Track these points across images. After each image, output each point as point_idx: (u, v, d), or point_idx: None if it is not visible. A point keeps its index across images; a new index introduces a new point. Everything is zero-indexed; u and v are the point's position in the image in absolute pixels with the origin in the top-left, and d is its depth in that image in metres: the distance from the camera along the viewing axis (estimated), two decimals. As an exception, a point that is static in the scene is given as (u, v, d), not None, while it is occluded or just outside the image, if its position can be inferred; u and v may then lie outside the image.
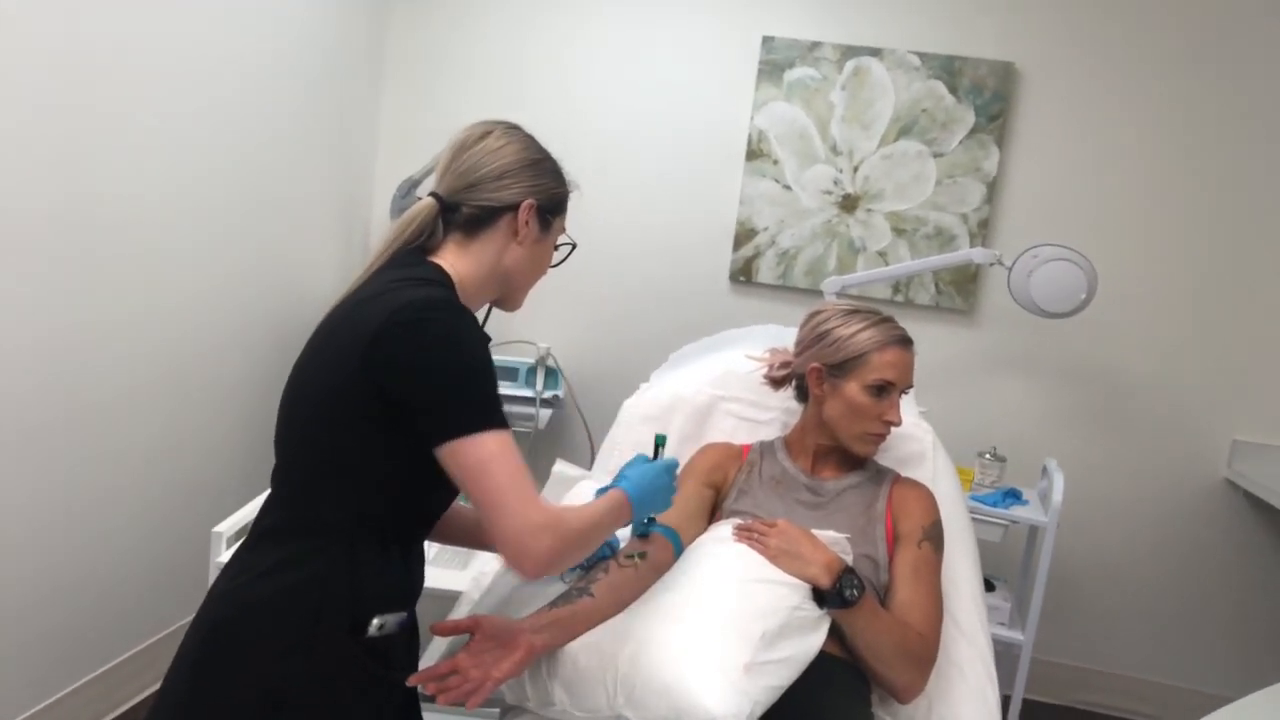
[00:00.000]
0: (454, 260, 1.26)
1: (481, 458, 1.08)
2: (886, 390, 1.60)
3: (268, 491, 1.23)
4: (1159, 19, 2.68)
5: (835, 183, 2.82)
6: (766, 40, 2.80)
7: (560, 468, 1.86)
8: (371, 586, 1.15)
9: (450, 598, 1.72)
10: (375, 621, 1.15)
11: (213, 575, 1.58)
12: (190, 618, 1.19)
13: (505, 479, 1.08)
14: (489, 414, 1.11)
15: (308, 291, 2.75)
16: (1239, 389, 2.76)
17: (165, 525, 2.31)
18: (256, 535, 1.20)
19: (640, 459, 1.36)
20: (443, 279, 1.22)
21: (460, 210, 1.26)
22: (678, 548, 1.49)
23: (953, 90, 2.73)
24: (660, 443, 1.45)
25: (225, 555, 1.72)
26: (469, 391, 1.11)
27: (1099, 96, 2.72)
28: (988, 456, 2.53)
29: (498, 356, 2.79)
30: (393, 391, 1.11)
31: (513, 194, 1.27)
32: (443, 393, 1.10)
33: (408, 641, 1.25)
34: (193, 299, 2.27)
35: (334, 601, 1.13)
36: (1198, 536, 2.82)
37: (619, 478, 1.32)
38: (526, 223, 1.28)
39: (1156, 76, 2.69)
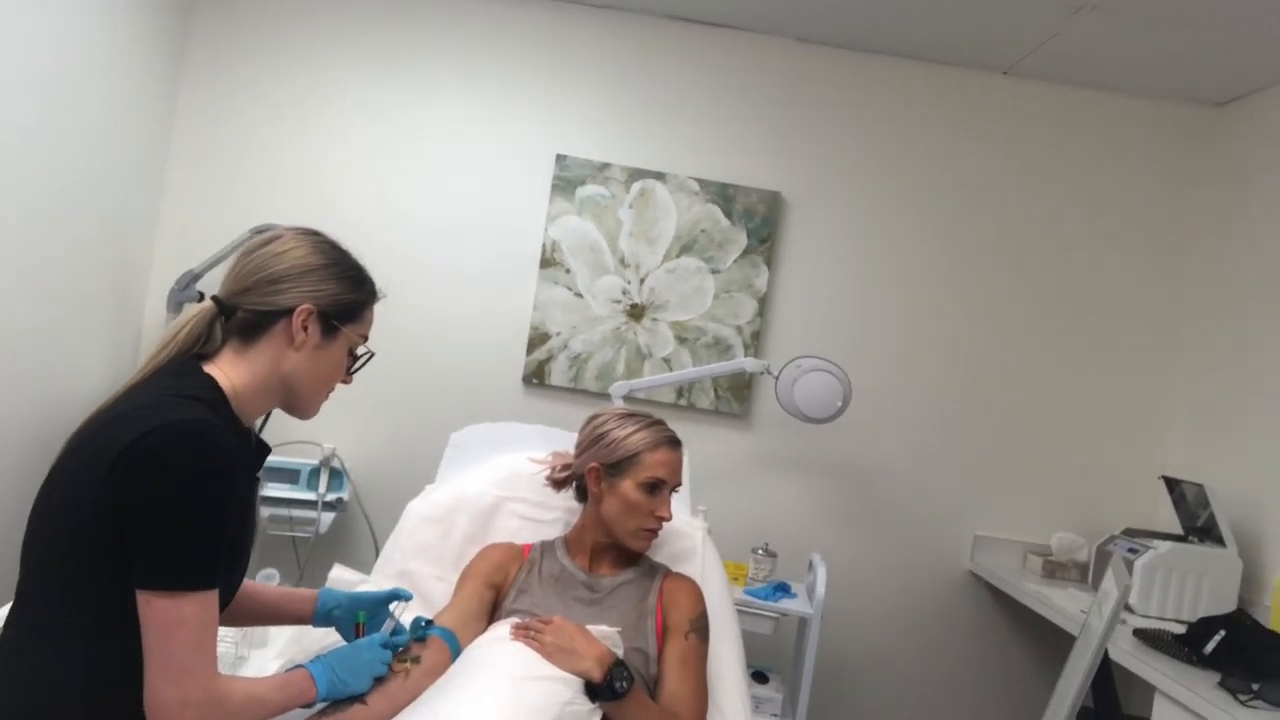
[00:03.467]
0: (229, 369, 1.23)
1: (172, 620, 1.06)
2: (658, 487, 1.71)
3: (9, 605, 1.15)
4: (873, 156, 3.04)
5: (624, 292, 2.99)
6: (560, 158, 2.97)
7: (337, 572, 1.83)
8: (112, 711, 1.09)
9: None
10: None
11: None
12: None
13: (187, 647, 1.06)
14: (198, 574, 1.08)
15: (70, 390, 2.56)
16: (979, 490, 3.08)
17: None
18: None
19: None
20: (212, 395, 1.18)
21: (236, 314, 1.24)
22: (455, 649, 1.50)
23: (728, 214, 2.99)
24: (360, 620, 1.47)
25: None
26: (186, 545, 1.07)
27: (856, 224, 3.05)
28: (760, 552, 2.68)
29: (278, 458, 2.73)
30: (124, 517, 1.07)
31: (287, 299, 1.24)
32: (160, 540, 1.07)
33: None
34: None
35: None
36: (946, 622, 3.08)
37: (315, 659, 1.31)
38: (304, 328, 1.25)
39: (908, 207, 3.05)
